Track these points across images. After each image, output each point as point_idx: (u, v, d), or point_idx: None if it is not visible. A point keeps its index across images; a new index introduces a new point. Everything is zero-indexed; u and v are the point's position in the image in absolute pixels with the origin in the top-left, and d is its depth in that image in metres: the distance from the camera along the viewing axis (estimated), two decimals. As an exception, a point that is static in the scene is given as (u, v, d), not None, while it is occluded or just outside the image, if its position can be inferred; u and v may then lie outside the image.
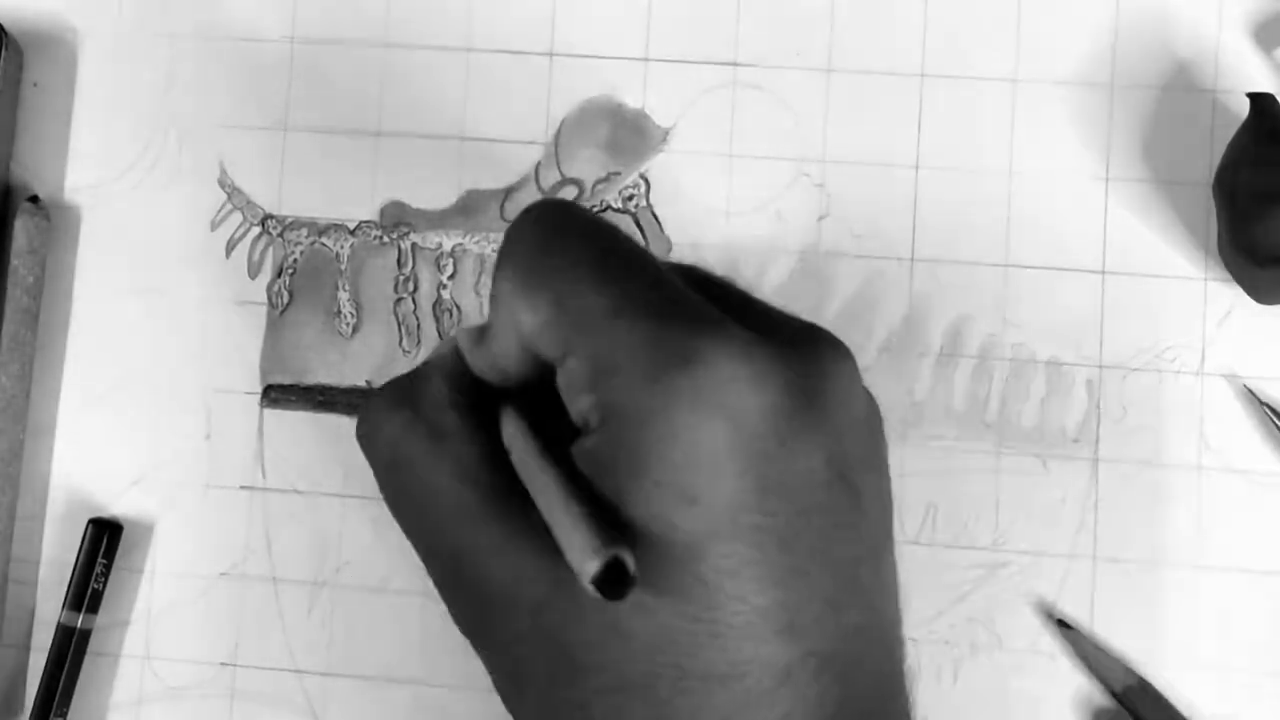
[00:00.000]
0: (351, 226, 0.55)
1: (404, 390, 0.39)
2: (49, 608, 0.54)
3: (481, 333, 0.37)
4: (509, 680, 0.37)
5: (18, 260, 0.54)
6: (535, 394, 0.36)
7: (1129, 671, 0.51)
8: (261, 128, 0.56)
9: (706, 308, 0.33)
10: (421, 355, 0.54)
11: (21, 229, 0.54)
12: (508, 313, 0.35)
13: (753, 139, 0.54)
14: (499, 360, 0.36)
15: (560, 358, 0.34)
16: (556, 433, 0.35)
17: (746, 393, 0.31)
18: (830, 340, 0.35)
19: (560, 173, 0.54)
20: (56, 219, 0.56)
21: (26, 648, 0.54)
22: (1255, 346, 0.52)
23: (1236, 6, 0.53)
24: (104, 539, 0.53)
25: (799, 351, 0.33)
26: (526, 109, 0.55)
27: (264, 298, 0.55)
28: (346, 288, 0.55)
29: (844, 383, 0.34)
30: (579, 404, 0.33)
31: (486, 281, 0.54)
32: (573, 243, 0.35)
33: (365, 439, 0.40)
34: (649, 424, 0.31)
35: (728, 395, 0.31)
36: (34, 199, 0.55)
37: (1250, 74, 0.53)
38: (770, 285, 0.53)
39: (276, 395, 0.55)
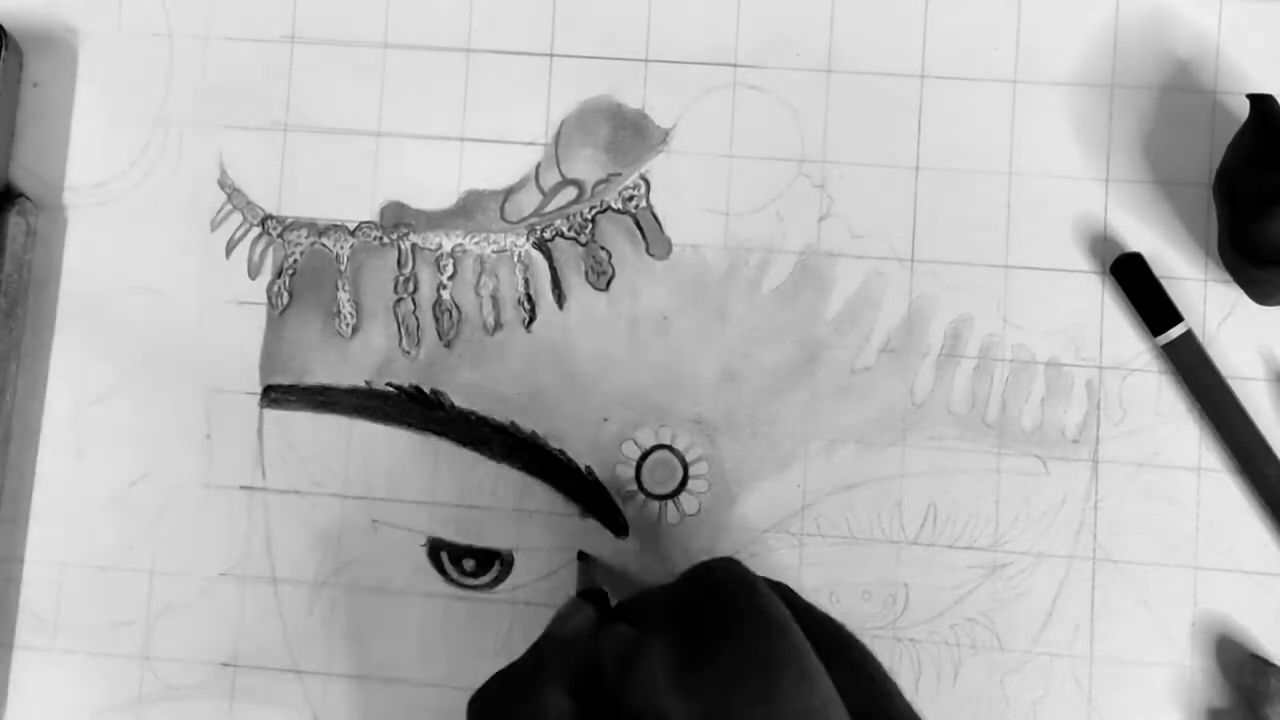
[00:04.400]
0: (351, 227, 0.55)
1: (520, 692, 0.41)
2: (41, 607, 0.55)
3: (623, 659, 0.38)
4: None
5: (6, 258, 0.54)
6: None
7: None
8: (261, 128, 0.56)
9: None
10: (422, 355, 0.54)
11: (11, 227, 0.54)
12: (655, 684, 0.36)
13: (753, 139, 0.54)
14: (633, 696, 0.37)
15: None
16: None
17: None
18: None
19: (560, 173, 0.54)
20: (55, 219, 0.56)
21: (10, 646, 0.55)
22: (1255, 347, 0.52)
23: (1236, 6, 0.53)
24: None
25: None
26: (526, 109, 0.55)
27: (264, 298, 0.55)
28: (346, 288, 0.55)
29: None
30: None
31: (486, 282, 0.54)
32: (739, 650, 0.35)
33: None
34: None
35: None
36: (22, 196, 0.55)
37: (1250, 74, 0.53)
38: (770, 285, 0.53)
39: (276, 395, 0.55)
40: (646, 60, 0.55)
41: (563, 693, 0.39)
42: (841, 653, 0.40)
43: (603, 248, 0.54)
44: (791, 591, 0.45)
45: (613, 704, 0.39)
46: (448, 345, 0.54)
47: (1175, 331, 0.51)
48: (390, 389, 0.54)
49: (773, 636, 0.36)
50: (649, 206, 0.54)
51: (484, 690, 0.42)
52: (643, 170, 0.54)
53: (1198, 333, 0.52)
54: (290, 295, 0.55)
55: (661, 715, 0.36)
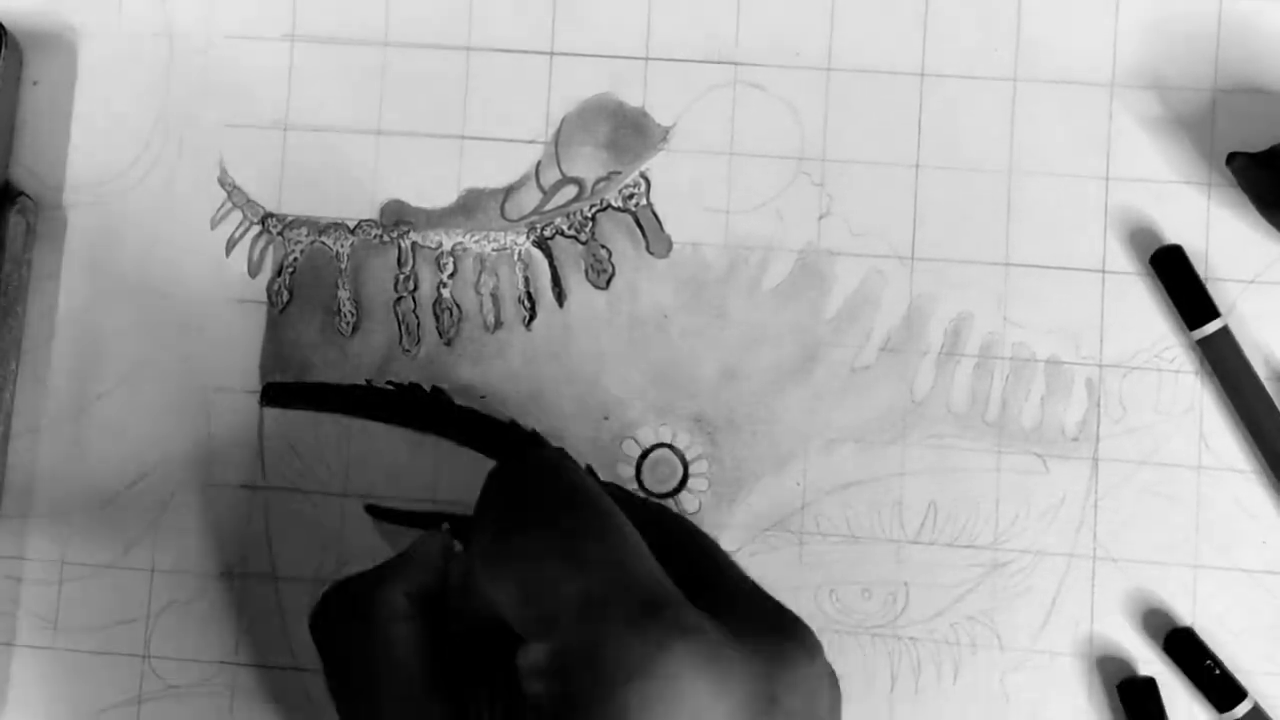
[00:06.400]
0: (352, 225, 0.55)
1: (361, 591, 0.40)
2: (39, 607, 0.54)
3: (463, 581, 0.38)
4: None
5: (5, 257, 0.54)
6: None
7: None
8: (261, 127, 0.56)
9: (672, 607, 0.33)
10: (423, 354, 0.54)
11: (11, 225, 0.54)
12: (476, 578, 0.36)
13: (753, 138, 0.54)
14: (472, 608, 0.37)
15: (522, 637, 0.34)
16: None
17: (706, 705, 0.31)
18: (800, 641, 0.35)
19: (560, 171, 0.54)
20: (55, 218, 0.56)
21: (10, 644, 0.54)
22: (1255, 346, 0.52)
23: (1236, 6, 0.53)
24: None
25: (765, 656, 0.33)
26: (526, 108, 0.55)
27: (264, 297, 0.55)
28: (346, 286, 0.55)
29: (807, 691, 0.34)
30: (533, 686, 0.33)
31: (486, 280, 0.54)
32: (550, 519, 0.35)
33: (317, 631, 0.41)
34: None
35: (684, 708, 0.31)
36: (23, 195, 0.55)
37: (1251, 73, 0.53)
38: (770, 284, 0.53)
39: (276, 394, 0.55)
40: (646, 59, 0.55)
41: (401, 595, 0.39)
42: (666, 527, 0.40)
43: (603, 246, 0.54)
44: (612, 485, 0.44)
45: (455, 615, 0.39)
46: (448, 344, 0.54)
47: (1212, 327, 0.51)
48: (390, 387, 0.54)
49: (577, 505, 0.36)
50: (649, 205, 0.54)
51: (324, 594, 0.41)
52: (643, 168, 0.54)
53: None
54: (290, 293, 0.55)
55: (489, 607, 0.36)
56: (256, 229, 0.55)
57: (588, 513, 0.35)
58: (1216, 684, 0.50)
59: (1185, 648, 0.51)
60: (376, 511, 0.54)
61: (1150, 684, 0.51)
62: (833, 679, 0.36)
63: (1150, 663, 0.51)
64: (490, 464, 0.53)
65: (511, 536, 0.35)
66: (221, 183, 0.56)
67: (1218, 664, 0.50)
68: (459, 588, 0.39)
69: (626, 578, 0.34)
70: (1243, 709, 0.50)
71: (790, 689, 0.33)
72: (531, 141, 0.55)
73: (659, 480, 0.53)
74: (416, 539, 0.44)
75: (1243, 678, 0.51)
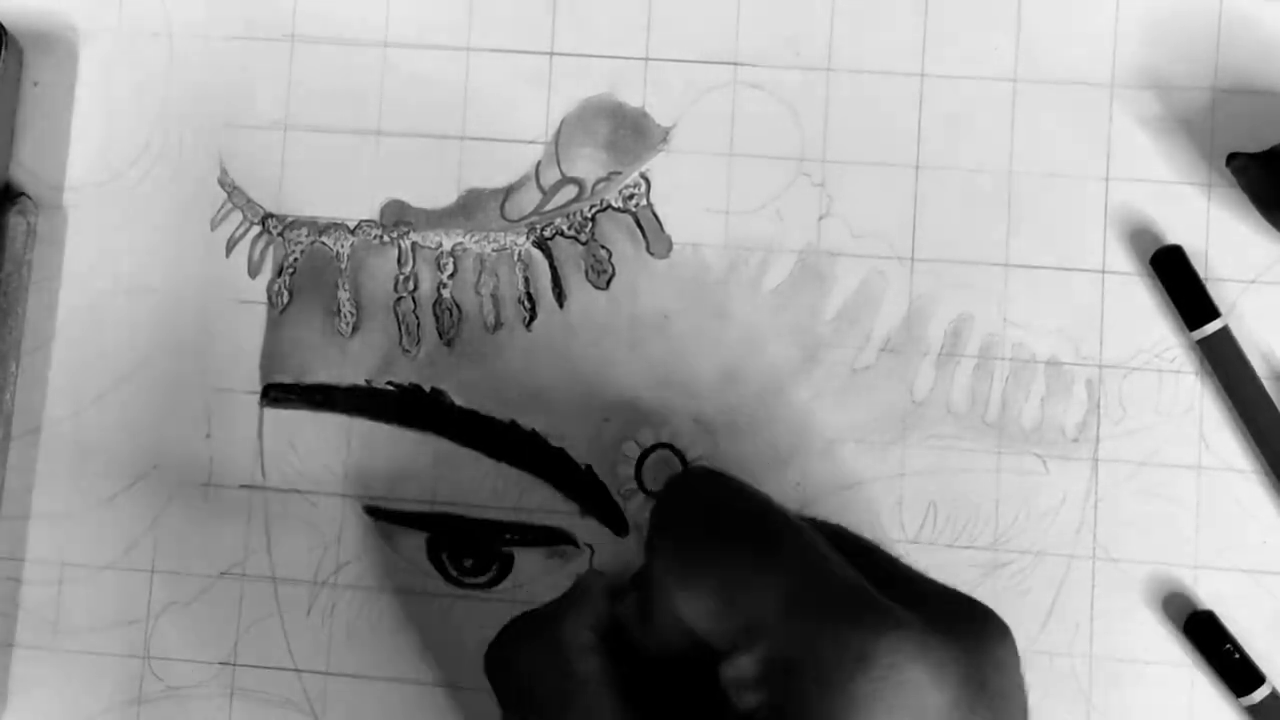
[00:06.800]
0: (352, 225, 0.55)
1: (543, 627, 0.39)
2: (39, 608, 0.54)
3: (642, 612, 0.37)
4: None
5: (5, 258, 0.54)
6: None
7: None
8: (261, 127, 0.56)
9: (874, 598, 0.33)
10: (423, 354, 0.54)
11: (12, 226, 0.54)
12: (668, 599, 0.35)
13: (753, 139, 0.54)
14: (660, 638, 0.36)
15: (726, 650, 0.33)
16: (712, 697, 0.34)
17: (927, 692, 0.31)
18: (994, 623, 0.35)
19: (560, 172, 0.54)
20: (55, 219, 0.56)
21: (10, 645, 0.55)
22: (1254, 345, 0.52)
23: (1236, 6, 0.53)
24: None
25: (968, 640, 0.33)
26: (526, 109, 0.55)
27: (264, 297, 0.55)
28: (347, 287, 0.55)
29: (1012, 668, 0.34)
30: (745, 699, 0.33)
31: (487, 280, 0.54)
32: (736, 526, 0.34)
33: (496, 666, 0.40)
34: None
35: (908, 697, 0.31)
36: (23, 195, 0.55)
37: (1251, 73, 0.53)
38: (770, 285, 0.53)
39: (276, 395, 0.55)
40: (646, 59, 0.55)
41: (587, 629, 0.39)
42: (832, 532, 0.39)
43: (603, 246, 0.54)
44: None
45: (641, 652, 0.38)
46: (448, 344, 0.54)
47: (1212, 327, 0.51)
48: (390, 388, 0.54)
49: (757, 512, 0.36)
50: (649, 205, 0.54)
51: (501, 633, 0.41)
52: (643, 169, 0.54)
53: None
54: (290, 294, 0.55)
55: (683, 631, 0.35)
56: (256, 229, 0.55)
57: (772, 517, 0.35)
58: (1236, 668, 0.50)
59: (1205, 631, 0.51)
60: (376, 513, 0.54)
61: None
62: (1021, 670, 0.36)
63: (1150, 663, 0.51)
64: (489, 465, 0.54)
65: (701, 550, 0.35)
66: (221, 183, 0.56)
67: (1237, 648, 0.51)
68: (638, 621, 0.39)
69: (826, 573, 0.33)
70: (1261, 694, 0.50)
71: (996, 670, 0.33)
72: (531, 142, 0.55)
73: (660, 481, 0.53)
74: (579, 578, 0.44)
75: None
